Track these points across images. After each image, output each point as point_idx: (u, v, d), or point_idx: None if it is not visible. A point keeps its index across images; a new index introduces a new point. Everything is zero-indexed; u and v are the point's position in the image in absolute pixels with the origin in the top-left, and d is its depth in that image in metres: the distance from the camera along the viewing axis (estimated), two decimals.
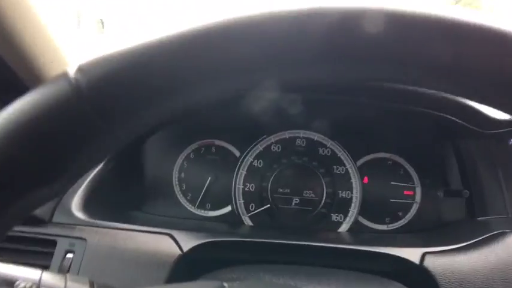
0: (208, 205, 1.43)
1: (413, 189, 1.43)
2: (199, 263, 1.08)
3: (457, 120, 1.14)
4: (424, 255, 1.04)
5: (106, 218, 1.13)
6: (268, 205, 1.39)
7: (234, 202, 1.40)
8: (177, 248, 1.03)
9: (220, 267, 1.04)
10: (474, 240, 1.07)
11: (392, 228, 1.41)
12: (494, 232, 1.09)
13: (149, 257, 1.02)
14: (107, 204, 1.22)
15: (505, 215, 1.29)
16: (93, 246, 1.04)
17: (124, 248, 1.04)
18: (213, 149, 1.46)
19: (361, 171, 1.43)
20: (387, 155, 1.45)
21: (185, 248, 1.03)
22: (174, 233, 1.07)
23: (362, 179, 1.42)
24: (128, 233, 1.07)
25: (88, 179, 1.19)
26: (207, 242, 1.05)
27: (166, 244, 1.04)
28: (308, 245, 1.07)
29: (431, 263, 1.02)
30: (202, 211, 1.42)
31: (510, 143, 1.43)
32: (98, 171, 1.22)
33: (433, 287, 1.00)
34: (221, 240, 1.06)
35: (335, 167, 1.42)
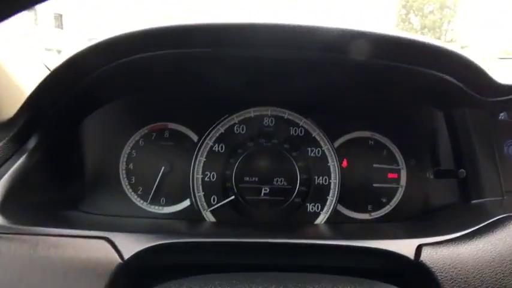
0: (162, 200, 1.21)
1: (398, 171, 1.26)
2: (147, 273, 0.87)
3: (457, 82, 0.96)
4: (419, 247, 0.86)
5: (28, 221, 0.89)
6: (233, 197, 1.19)
7: (192, 195, 1.18)
8: (116, 255, 0.81)
9: (173, 276, 0.83)
10: (476, 227, 0.90)
11: (376, 216, 1.24)
12: (499, 217, 0.92)
13: (80, 268, 0.80)
14: (31, 205, 0.99)
15: (500, 197, 1.13)
16: (7, 258, 0.81)
17: (47, 258, 0.81)
18: (166, 134, 1.24)
19: (339, 153, 1.24)
20: (368, 134, 1.27)
21: (126, 255, 0.81)
22: (113, 236, 0.84)
23: (340, 162, 1.24)
24: (53, 240, 0.84)
25: (6, 176, 0.95)
26: (155, 246, 0.83)
27: (103, 251, 0.82)
28: (281, 242, 0.87)
29: (428, 256, 0.85)
30: (156, 207, 1.21)
31: (500, 117, 1.29)
32: (18, 165, 0.98)
33: (431, 286, 0.82)
34: (172, 243, 0.84)
35: (309, 149, 1.23)
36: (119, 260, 0.80)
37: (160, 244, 0.84)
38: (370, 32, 0.86)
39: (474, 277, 0.82)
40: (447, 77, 0.94)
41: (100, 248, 0.82)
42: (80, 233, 0.85)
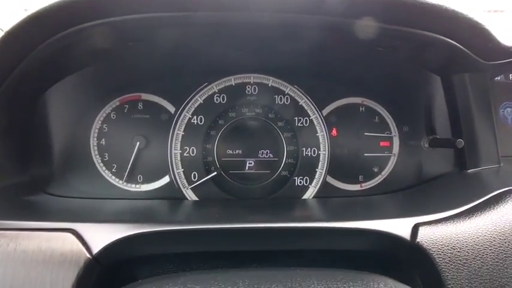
0: (140, 177, 1.12)
1: (390, 139, 1.19)
2: (120, 266, 0.80)
3: (462, 47, 0.86)
4: (416, 227, 0.80)
5: None
6: (215, 172, 1.10)
7: (171, 172, 1.09)
8: (84, 250, 0.73)
9: (150, 268, 0.76)
10: (475, 203, 0.84)
11: (367, 187, 1.18)
12: (498, 191, 0.86)
13: (44, 265, 0.72)
14: None
15: (497, 164, 1.07)
16: None
17: (7, 254, 0.72)
18: (140, 106, 1.13)
19: (328, 121, 1.16)
20: (358, 100, 1.18)
21: (95, 249, 0.73)
22: (81, 227, 0.76)
23: (329, 131, 1.15)
24: (13, 234, 0.75)
25: None
26: (126, 237, 0.75)
27: (69, 245, 0.74)
28: (268, 227, 0.80)
29: (425, 237, 0.79)
30: (133, 185, 1.12)
31: (496, 79, 1.22)
32: None
33: (430, 269, 0.77)
34: (146, 233, 0.76)
35: (296, 118, 1.14)
36: (87, 255, 0.72)
37: (132, 235, 0.75)
38: None
39: (474, 258, 0.77)
40: (450, 40, 0.84)
41: (66, 242, 0.74)
42: (44, 225, 0.76)
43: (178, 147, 1.10)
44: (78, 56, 0.94)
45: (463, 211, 0.84)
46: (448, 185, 1.05)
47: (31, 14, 0.75)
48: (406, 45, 0.90)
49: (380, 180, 1.18)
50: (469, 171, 1.06)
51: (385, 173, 1.18)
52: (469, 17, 0.80)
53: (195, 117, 1.11)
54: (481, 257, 0.77)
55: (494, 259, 0.77)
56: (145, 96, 1.12)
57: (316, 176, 1.13)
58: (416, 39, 0.84)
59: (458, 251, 0.77)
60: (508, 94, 1.23)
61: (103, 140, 1.12)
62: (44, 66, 0.89)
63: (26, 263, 0.71)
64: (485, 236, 0.79)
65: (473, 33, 0.83)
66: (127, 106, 1.12)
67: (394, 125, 1.19)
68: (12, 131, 0.95)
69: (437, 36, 0.83)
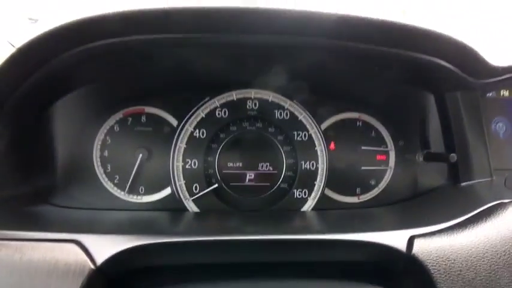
0: (141, 189, 1.14)
1: (387, 153, 1.23)
2: (124, 277, 0.81)
3: (451, 67, 0.90)
4: (411, 239, 0.83)
5: None
6: (216, 185, 1.12)
7: (173, 184, 1.12)
8: (88, 260, 0.74)
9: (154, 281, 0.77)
10: (468, 215, 0.88)
11: (364, 200, 1.21)
12: (490, 204, 0.89)
13: (49, 275, 0.73)
14: None
15: (489, 178, 1.11)
16: None
17: (11, 264, 0.74)
18: (143, 119, 1.15)
19: (327, 135, 1.19)
20: (356, 115, 1.22)
21: (99, 259, 0.75)
22: (84, 238, 0.77)
23: (328, 145, 1.18)
24: (18, 244, 0.76)
25: None
26: (130, 249, 0.77)
27: (73, 256, 0.75)
28: (267, 239, 0.83)
29: (421, 248, 0.81)
30: (135, 197, 1.14)
31: (488, 95, 1.26)
32: None
33: (425, 280, 0.79)
34: (149, 244, 0.78)
35: (296, 132, 1.17)
36: (91, 266, 0.73)
37: (136, 246, 0.77)
38: (357, 17, 0.79)
39: (468, 269, 0.80)
40: (441, 61, 0.88)
41: (70, 253, 0.75)
42: (48, 235, 0.78)
43: (180, 160, 1.12)
44: (85, 72, 0.97)
45: (456, 223, 0.87)
46: (442, 198, 1.09)
47: (44, 33, 0.78)
48: (400, 66, 0.94)
49: (377, 193, 1.21)
50: (462, 184, 1.10)
51: (382, 185, 1.21)
52: (458, 39, 0.85)
53: (197, 130, 1.13)
54: (474, 268, 0.80)
55: (487, 270, 0.80)
56: (149, 109, 1.15)
57: (315, 189, 1.16)
58: (409, 61, 0.89)
59: (453, 263, 0.80)
60: (499, 109, 1.27)
61: (106, 151, 1.14)
62: (51, 81, 0.92)
63: (30, 273, 0.72)
64: (478, 247, 0.83)
65: (463, 55, 0.88)
66: (130, 119, 1.15)
67: (390, 139, 1.22)
68: (17, 143, 0.97)
69: (429, 57, 0.87)
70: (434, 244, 0.83)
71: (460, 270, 0.80)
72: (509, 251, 0.82)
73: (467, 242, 0.83)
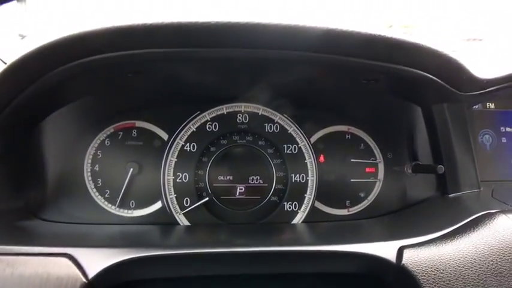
0: (132, 203, 1.14)
1: (376, 165, 1.24)
2: None
3: (438, 80, 0.92)
4: (401, 250, 0.83)
5: None
6: (207, 198, 1.13)
7: (164, 198, 1.12)
8: (80, 274, 0.74)
9: None
10: (457, 226, 0.89)
11: (354, 212, 1.21)
12: (478, 214, 0.91)
13: None
14: None
15: (477, 189, 1.13)
16: None
17: (3, 279, 0.74)
18: (134, 133, 1.16)
19: (316, 148, 1.20)
20: (345, 128, 1.24)
21: (91, 273, 0.74)
22: (76, 252, 0.77)
23: (317, 157, 1.20)
24: (9, 259, 0.76)
25: None
26: (121, 262, 0.77)
27: (65, 270, 0.75)
28: (257, 252, 0.83)
29: (410, 259, 0.82)
30: (126, 211, 1.14)
31: (474, 107, 1.29)
32: None
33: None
34: (141, 258, 0.78)
35: (285, 145, 1.18)
36: (83, 279, 0.73)
37: (127, 259, 0.77)
38: (343, 31, 0.81)
39: (456, 279, 0.80)
40: (427, 74, 0.90)
41: (62, 266, 0.75)
42: (40, 250, 0.78)
43: (171, 174, 1.13)
44: (75, 87, 0.97)
45: (445, 234, 0.88)
46: (430, 209, 1.10)
47: (35, 49, 0.79)
48: (386, 79, 0.96)
49: (366, 205, 1.22)
50: (450, 195, 1.11)
51: (371, 197, 1.22)
52: (443, 52, 0.87)
53: (187, 144, 1.14)
54: (462, 278, 0.81)
55: (475, 279, 0.81)
56: (139, 123, 1.16)
57: (305, 201, 1.17)
58: (395, 74, 0.91)
59: (442, 272, 0.81)
60: (485, 122, 1.30)
61: (97, 166, 1.14)
62: (42, 97, 0.93)
63: (23, 287, 0.72)
64: (466, 257, 0.83)
65: (448, 67, 0.90)
66: (121, 133, 1.15)
67: (379, 151, 1.24)
68: (8, 157, 0.97)
69: (415, 70, 0.90)
70: (423, 254, 0.84)
71: (449, 280, 0.81)
72: (496, 260, 0.83)
73: (456, 252, 0.84)
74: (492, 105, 1.32)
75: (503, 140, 1.30)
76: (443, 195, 1.13)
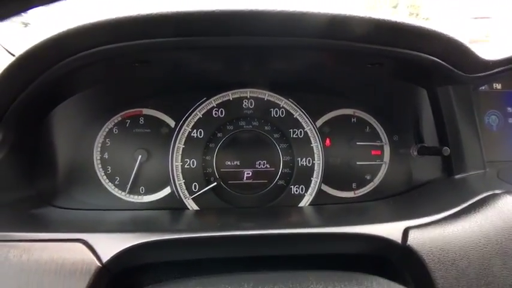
0: (142, 189, 1.16)
1: (381, 148, 1.25)
2: (129, 274, 0.83)
3: (443, 63, 0.92)
4: (406, 231, 0.85)
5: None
6: (215, 183, 1.14)
7: (173, 184, 1.14)
8: (94, 258, 0.76)
9: (157, 276, 0.79)
10: (462, 206, 0.90)
11: (360, 194, 1.23)
12: (483, 195, 0.92)
13: (57, 274, 0.75)
14: (1, 206, 0.92)
15: (482, 170, 1.14)
16: None
17: (20, 265, 0.76)
18: (141, 120, 1.17)
19: (322, 132, 1.21)
20: (350, 111, 1.24)
21: (105, 258, 0.77)
22: (90, 237, 0.80)
23: (323, 141, 1.21)
24: (26, 245, 0.79)
25: None
26: (134, 246, 0.79)
27: (80, 255, 0.77)
28: (265, 234, 0.85)
29: (415, 239, 0.84)
30: (136, 197, 1.16)
31: (481, 88, 1.28)
32: None
33: (421, 270, 0.82)
34: (152, 242, 0.80)
35: (291, 130, 1.19)
36: (98, 264, 0.76)
37: (139, 244, 0.80)
38: (347, 16, 0.81)
39: (461, 259, 0.82)
40: (432, 57, 0.90)
41: (77, 251, 0.77)
42: (55, 236, 0.80)
43: (179, 160, 1.14)
44: (83, 77, 0.99)
45: (450, 214, 0.89)
46: (436, 191, 1.11)
47: (44, 41, 0.79)
48: (392, 63, 0.96)
49: (372, 187, 1.23)
50: (456, 176, 1.12)
51: (377, 180, 1.23)
52: (448, 35, 0.87)
53: (194, 130, 1.15)
54: (467, 258, 0.83)
55: (479, 259, 0.83)
56: (146, 111, 1.17)
57: (312, 185, 1.18)
58: (400, 58, 0.91)
59: (447, 252, 0.83)
60: (492, 102, 1.30)
61: (106, 153, 1.16)
62: (52, 87, 0.94)
63: (38, 273, 0.74)
64: (471, 237, 0.85)
65: (453, 50, 0.90)
66: (129, 121, 1.17)
67: (385, 134, 1.24)
68: (20, 148, 1.00)
69: (420, 54, 0.89)
70: (428, 235, 0.85)
71: (454, 260, 0.83)
72: (501, 239, 0.85)
73: (461, 232, 0.86)
74: (499, 86, 1.31)
75: (510, 120, 1.30)
76: (449, 176, 1.13)
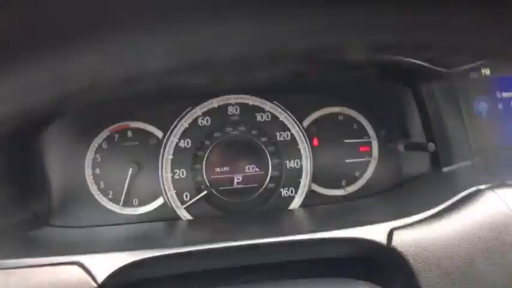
0: (135, 201, 1.19)
1: (369, 143, 1.25)
2: None
3: (421, 62, 0.92)
4: (391, 232, 0.87)
5: None
6: (206, 191, 1.16)
7: (164, 194, 1.16)
8: (90, 280, 0.80)
9: None
10: (446, 204, 0.91)
11: (350, 192, 1.24)
12: (467, 191, 0.92)
13: None
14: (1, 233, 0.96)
15: (470, 160, 1.14)
16: None
17: None
18: (129, 134, 1.19)
19: (309, 132, 1.22)
20: (337, 109, 1.24)
21: (100, 278, 0.80)
22: (85, 259, 0.83)
23: (311, 141, 1.21)
24: (24, 271, 0.82)
25: None
26: (127, 265, 0.82)
27: (76, 277, 0.81)
28: (258, 244, 0.87)
29: (399, 241, 0.86)
30: (130, 209, 1.18)
31: (471, 76, 1.27)
32: None
33: (406, 271, 0.84)
34: (145, 259, 0.83)
35: (278, 133, 1.20)
36: (94, 284, 0.79)
37: (133, 262, 0.83)
38: None
39: (445, 258, 0.84)
40: (409, 59, 0.90)
41: (73, 274, 0.81)
42: (51, 260, 0.83)
43: (169, 171, 1.16)
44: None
45: (434, 213, 0.91)
46: (423, 186, 1.12)
47: None
48: (370, 66, 0.96)
49: (362, 184, 1.24)
50: (444, 170, 1.13)
51: (367, 176, 1.24)
52: None
53: (182, 141, 1.17)
54: (451, 256, 0.84)
55: (463, 257, 0.84)
56: (133, 124, 1.19)
57: (301, 186, 1.20)
58: (378, 61, 0.91)
59: (430, 252, 0.84)
60: (481, 89, 1.29)
61: (97, 169, 1.18)
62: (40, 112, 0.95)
63: None
64: (454, 236, 0.86)
65: (427, 49, 0.89)
66: (117, 135, 1.18)
67: (372, 130, 1.25)
68: (10, 173, 1.02)
69: (397, 57, 0.89)
70: (412, 235, 0.87)
71: (438, 259, 0.85)
72: (484, 237, 0.86)
73: (444, 231, 0.87)
74: (487, 72, 1.30)
75: (500, 106, 1.29)
76: (437, 169, 1.14)
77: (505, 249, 0.84)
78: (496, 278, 0.83)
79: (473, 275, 0.84)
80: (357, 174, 1.24)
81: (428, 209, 0.92)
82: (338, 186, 1.24)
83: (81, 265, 0.82)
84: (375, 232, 0.88)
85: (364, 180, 1.24)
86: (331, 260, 0.95)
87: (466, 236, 0.86)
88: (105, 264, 0.82)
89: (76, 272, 0.81)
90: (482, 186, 0.94)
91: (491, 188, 0.92)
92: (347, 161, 1.24)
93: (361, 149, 1.25)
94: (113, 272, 0.81)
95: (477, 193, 0.92)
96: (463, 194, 0.93)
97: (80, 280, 0.80)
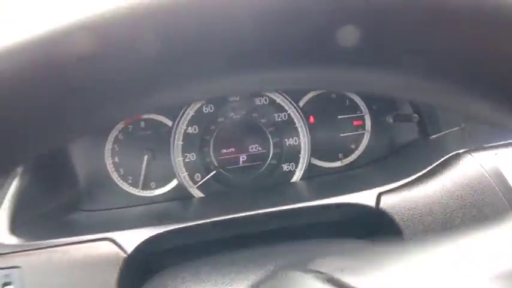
0: (152, 184, 1.32)
1: (362, 118, 1.35)
2: (151, 260, 1.01)
3: None
4: (379, 196, 0.98)
5: (40, 234, 1.01)
6: (214, 171, 1.29)
7: (178, 176, 1.29)
8: (121, 252, 0.95)
9: (177, 258, 0.97)
10: (428, 169, 1.02)
11: (346, 163, 1.35)
12: (447, 156, 1.03)
13: (93, 268, 0.94)
14: (38, 218, 1.10)
15: (458, 126, 1.23)
16: (31, 272, 0.94)
17: (64, 265, 0.95)
18: (142, 124, 1.31)
19: (305, 111, 1.32)
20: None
21: (129, 249, 0.95)
22: (114, 235, 0.97)
23: (307, 119, 1.32)
24: (65, 248, 0.97)
25: (8, 198, 1.06)
26: (150, 238, 0.97)
27: (108, 250, 0.96)
28: (260, 213, 1.00)
29: (387, 203, 0.98)
30: (148, 191, 1.32)
31: None
32: (17, 186, 1.08)
33: (393, 229, 0.96)
34: (164, 232, 0.97)
35: (276, 114, 1.31)
36: (124, 255, 0.93)
37: (155, 235, 0.97)
38: None
39: (427, 214, 0.95)
40: None
41: (106, 248, 0.95)
42: (86, 238, 0.98)
43: (180, 155, 1.29)
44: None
45: (417, 177, 1.02)
46: (411, 153, 1.23)
47: None
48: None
49: (358, 155, 1.35)
50: (431, 137, 1.23)
51: (361, 147, 1.35)
52: None
53: (189, 128, 1.28)
54: (432, 213, 0.96)
55: (442, 213, 0.95)
56: (145, 115, 1.31)
57: (301, 161, 1.31)
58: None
59: (413, 211, 0.96)
60: None
61: (116, 158, 1.31)
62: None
63: (77, 270, 0.93)
64: (434, 195, 0.97)
65: None
66: (131, 126, 1.30)
67: (364, 105, 1.34)
68: (42, 171, 1.16)
69: None
70: (398, 197, 0.98)
71: (420, 216, 0.96)
72: (461, 194, 0.97)
73: (426, 191, 0.99)
74: None
75: None
76: (425, 137, 1.24)
77: (479, 204, 0.95)
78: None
79: (453, 229, 0.95)
80: (352, 146, 1.35)
81: (413, 173, 1.03)
82: (335, 158, 1.35)
83: (112, 240, 0.96)
84: (365, 197, 1.00)
85: (360, 151, 1.35)
86: (333, 223, 1.07)
87: (445, 195, 0.97)
88: (132, 238, 0.96)
89: (108, 247, 0.95)
90: (460, 151, 1.04)
91: (468, 152, 1.02)
92: (342, 135, 1.34)
93: (355, 123, 1.35)
94: (138, 244, 0.95)
95: (456, 157, 1.03)
96: (443, 158, 1.03)
97: (111, 252, 0.94)
